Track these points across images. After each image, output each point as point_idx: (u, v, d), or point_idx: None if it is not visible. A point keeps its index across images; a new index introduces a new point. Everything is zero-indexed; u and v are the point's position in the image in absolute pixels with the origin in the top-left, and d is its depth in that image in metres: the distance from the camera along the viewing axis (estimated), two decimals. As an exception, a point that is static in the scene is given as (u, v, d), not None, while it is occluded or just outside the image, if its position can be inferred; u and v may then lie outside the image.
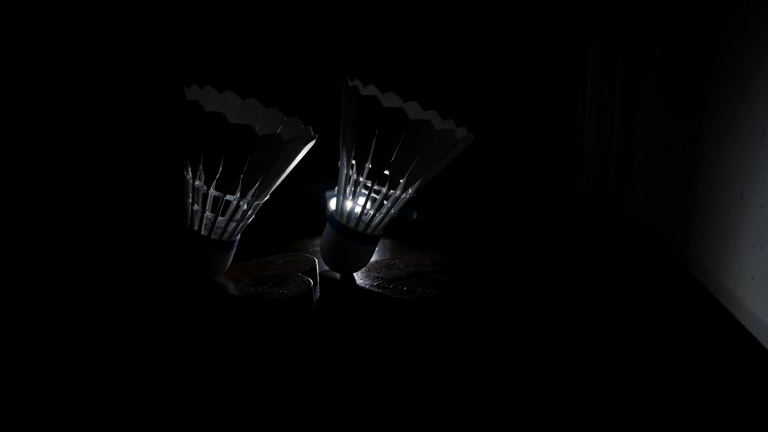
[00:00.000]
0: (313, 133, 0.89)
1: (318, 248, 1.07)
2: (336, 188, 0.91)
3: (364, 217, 0.90)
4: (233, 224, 0.88)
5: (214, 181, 0.84)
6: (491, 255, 1.13)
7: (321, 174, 1.20)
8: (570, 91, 1.32)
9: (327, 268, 0.96)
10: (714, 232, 0.92)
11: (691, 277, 0.99)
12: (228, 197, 0.85)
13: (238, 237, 0.92)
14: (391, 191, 0.87)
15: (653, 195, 1.18)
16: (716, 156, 0.92)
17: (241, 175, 0.83)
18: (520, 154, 1.40)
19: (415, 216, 1.16)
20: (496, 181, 1.41)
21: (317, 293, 0.95)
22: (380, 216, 0.90)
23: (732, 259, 0.87)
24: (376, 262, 0.99)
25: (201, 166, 0.83)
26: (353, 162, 0.86)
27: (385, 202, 0.89)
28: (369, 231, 0.90)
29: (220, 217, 0.87)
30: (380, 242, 1.15)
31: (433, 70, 1.34)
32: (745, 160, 0.83)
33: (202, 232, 0.88)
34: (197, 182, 0.85)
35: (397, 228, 1.21)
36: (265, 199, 0.89)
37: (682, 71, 1.03)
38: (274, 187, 0.89)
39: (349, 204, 0.89)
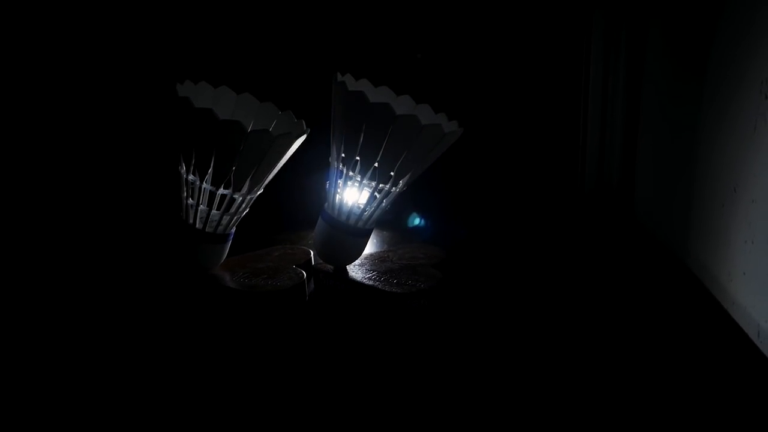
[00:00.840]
0: (305, 127, 0.90)
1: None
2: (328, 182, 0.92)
3: (355, 211, 0.91)
4: (227, 217, 0.90)
5: (207, 176, 0.86)
6: (491, 248, 1.13)
7: (322, 166, 1.21)
8: (573, 84, 1.31)
9: (321, 260, 0.97)
10: (710, 226, 0.91)
11: (690, 272, 0.98)
12: (221, 191, 0.87)
13: (233, 230, 0.94)
14: (381, 185, 0.88)
15: (656, 188, 1.17)
16: (712, 150, 0.90)
17: (233, 170, 0.84)
18: (523, 147, 1.39)
19: (417, 222, 1.16)
20: (497, 175, 1.41)
21: (311, 285, 0.96)
22: (371, 209, 0.91)
23: (725, 253, 0.86)
24: (371, 254, 1.00)
25: (193, 161, 0.85)
26: (343, 156, 0.87)
27: (376, 195, 0.90)
28: (360, 224, 0.91)
29: (214, 211, 0.89)
30: (378, 234, 1.16)
31: (437, 62, 1.34)
32: (739, 154, 0.82)
33: (197, 226, 0.90)
34: (191, 177, 0.87)
35: (395, 221, 1.22)
36: (259, 192, 0.91)
37: (683, 63, 1.02)
38: (267, 181, 0.91)
39: (339, 197, 0.90)
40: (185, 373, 0.75)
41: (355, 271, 0.94)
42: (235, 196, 0.88)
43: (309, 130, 0.90)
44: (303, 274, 0.93)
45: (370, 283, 0.90)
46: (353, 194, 0.90)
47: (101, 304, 0.93)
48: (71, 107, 1.33)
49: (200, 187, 0.87)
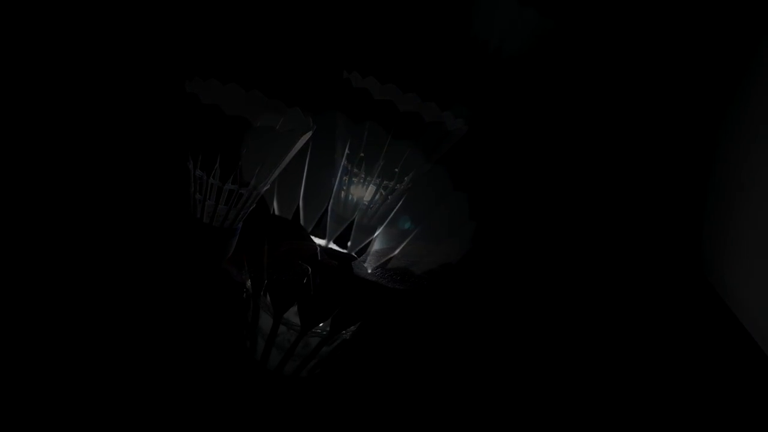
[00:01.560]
0: (312, 124, 0.91)
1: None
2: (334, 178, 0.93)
3: (360, 207, 0.92)
4: (234, 212, 0.91)
5: (214, 171, 0.87)
6: (494, 245, 1.13)
7: (328, 162, 1.21)
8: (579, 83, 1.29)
9: (327, 255, 0.98)
10: (718, 226, 0.90)
11: (698, 272, 0.96)
12: (228, 186, 0.89)
13: (240, 225, 0.95)
14: (386, 181, 0.89)
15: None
16: (722, 147, 0.89)
17: (239, 166, 0.86)
18: (529, 145, 1.37)
19: (408, 225, 1.16)
20: (502, 172, 1.39)
21: (316, 280, 0.97)
22: (375, 206, 0.91)
23: (733, 255, 0.85)
24: (376, 251, 1.01)
25: (201, 157, 0.87)
26: (348, 152, 0.88)
27: (381, 192, 0.90)
28: (365, 221, 0.92)
29: (221, 206, 0.91)
30: (383, 231, 1.16)
31: (448, 61, 1.33)
32: (746, 153, 0.81)
33: (204, 220, 0.91)
34: (198, 172, 0.89)
35: (399, 218, 1.22)
36: (265, 188, 0.92)
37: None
38: (274, 177, 0.92)
39: (344, 193, 0.91)
40: (187, 368, 0.76)
41: (360, 267, 0.95)
42: (242, 191, 0.89)
43: (315, 127, 0.90)
44: (309, 269, 0.94)
45: (374, 279, 0.91)
46: (358, 190, 0.91)
47: (106, 299, 0.95)
48: (79, 104, 1.35)
49: (207, 183, 0.89)
